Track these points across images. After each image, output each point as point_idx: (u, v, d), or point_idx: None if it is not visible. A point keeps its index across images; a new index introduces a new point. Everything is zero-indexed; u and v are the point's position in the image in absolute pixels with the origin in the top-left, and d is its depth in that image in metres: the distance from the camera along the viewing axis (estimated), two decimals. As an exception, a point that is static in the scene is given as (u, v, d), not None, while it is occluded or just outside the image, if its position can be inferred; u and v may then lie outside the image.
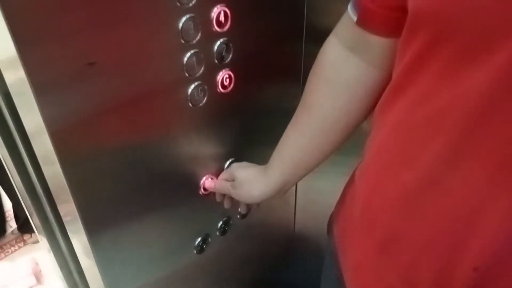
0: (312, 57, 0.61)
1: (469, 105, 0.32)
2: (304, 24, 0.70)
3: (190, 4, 0.48)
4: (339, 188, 0.59)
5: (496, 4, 0.29)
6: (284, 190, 0.60)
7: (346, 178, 0.57)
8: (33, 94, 0.38)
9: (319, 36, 0.56)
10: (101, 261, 0.54)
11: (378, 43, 0.45)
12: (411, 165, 0.37)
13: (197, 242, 0.69)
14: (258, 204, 0.69)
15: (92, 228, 0.51)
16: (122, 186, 0.53)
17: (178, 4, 0.47)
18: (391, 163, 0.41)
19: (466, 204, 0.34)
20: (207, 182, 0.64)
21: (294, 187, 0.92)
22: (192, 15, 0.49)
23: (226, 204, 0.66)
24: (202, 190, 0.64)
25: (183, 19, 0.48)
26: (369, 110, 0.52)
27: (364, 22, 0.45)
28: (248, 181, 0.60)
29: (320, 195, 0.95)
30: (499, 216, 0.32)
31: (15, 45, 0.35)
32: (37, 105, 0.39)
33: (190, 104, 0.55)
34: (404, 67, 0.38)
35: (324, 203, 0.95)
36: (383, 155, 0.42)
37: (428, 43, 0.34)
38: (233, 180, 0.62)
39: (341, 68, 0.51)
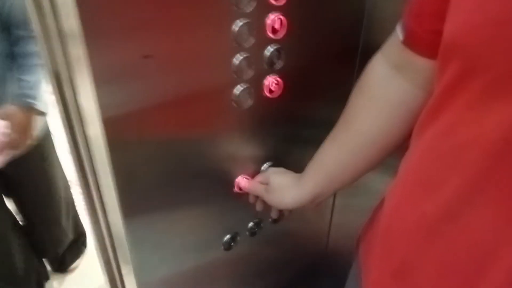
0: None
1: (491, 143, 0.31)
2: (360, 40, 0.69)
3: (247, 10, 0.50)
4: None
5: None
6: (316, 202, 0.60)
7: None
8: (91, 78, 0.42)
9: (374, 51, 0.56)
10: (131, 241, 0.57)
11: (422, 64, 0.45)
12: (433, 195, 0.37)
13: (225, 238, 0.70)
14: (290, 212, 0.69)
15: (128, 210, 0.54)
16: (161, 176, 0.56)
17: (235, 8, 0.49)
18: (415, 189, 0.40)
19: (481, 244, 0.33)
20: (242, 181, 0.65)
21: (332, 203, 0.91)
22: (247, 20, 0.51)
23: (258, 207, 0.67)
24: (236, 188, 0.66)
25: (239, 23, 0.50)
26: (409, 133, 0.51)
27: (409, 42, 0.45)
28: (281, 187, 0.60)
29: (358, 215, 0.93)
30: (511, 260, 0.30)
31: (82, 31, 0.39)
32: (94, 89, 0.42)
33: (235, 105, 0.57)
34: (439, 94, 0.37)
35: (361, 224, 0.94)
36: (409, 180, 0.42)
37: (459, 74, 0.33)
38: (267, 184, 0.63)
39: (386, 86, 0.51)
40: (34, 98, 1.09)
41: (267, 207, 0.66)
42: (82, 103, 0.50)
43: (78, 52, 0.41)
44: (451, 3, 0.35)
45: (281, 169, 0.65)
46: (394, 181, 0.46)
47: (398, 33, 0.47)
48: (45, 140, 1.28)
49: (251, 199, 0.67)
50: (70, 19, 0.39)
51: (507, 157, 0.30)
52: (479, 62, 0.31)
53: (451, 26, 0.35)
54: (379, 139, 0.53)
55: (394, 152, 0.55)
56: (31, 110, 1.10)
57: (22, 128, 1.09)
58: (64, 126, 0.57)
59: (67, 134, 0.57)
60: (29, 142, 1.17)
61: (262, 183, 0.64)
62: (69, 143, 0.59)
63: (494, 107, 0.31)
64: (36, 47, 1.03)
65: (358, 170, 0.56)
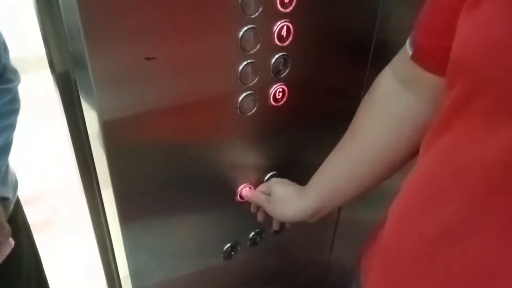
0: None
1: (491, 165, 0.30)
2: (371, 51, 0.68)
3: (253, 16, 0.49)
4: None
5: None
6: (318, 216, 0.59)
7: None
8: (93, 81, 0.41)
9: (385, 64, 0.55)
10: (129, 245, 0.57)
11: (430, 80, 0.44)
12: (432, 215, 0.35)
13: (225, 247, 0.69)
14: (291, 224, 0.68)
15: (125, 214, 0.53)
16: (161, 181, 0.55)
17: (242, 14, 0.49)
18: (415, 208, 0.39)
19: (481, 268, 0.31)
20: (244, 190, 0.64)
21: (336, 215, 0.89)
22: (254, 26, 0.50)
23: (260, 217, 0.66)
24: (238, 197, 0.65)
25: (244, 28, 0.50)
26: (417, 149, 0.49)
27: (418, 58, 0.44)
28: (283, 199, 0.59)
29: (363, 228, 0.91)
30: None
31: (83, 31, 0.39)
32: (95, 91, 0.42)
33: (239, 112, 0.56)
34: (445, 112, 0.36)
35: (365, 237, 0.91)
36: (410, 198, 0.41)
37: (465, 93, 0.33)
38: (269, 194, 0.62)
39: (393, 100, 0.50)
40: None
41: (268, 218, 0.65)
42: (84, 105, 0.49)
43: (80, 52, 0.41)
44: (459, 21, 0.35)
45: (284, 180, 0.64)
46: (396, 198, 0.45)
47: (407, 48, 0.46)
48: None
49: (253, 209, 0.66)
50: (73, 20, 0.39)
51: (508, 182, 0.29)
52: (484, 82, 0.31)
53: (458, 44, 0.34)
54: (385, 153, 0.52)
55: (400, 168, 0.54)
56: None
57: None
58: (70, 128, 0.57)
59: (72, 136, 0.57)
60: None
61: (264, 193, 0.63)
62: (74, 145, 0.59)
63: (496, 128, 0.30)
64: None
65: (363, 184, 0.55)
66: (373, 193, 0.78)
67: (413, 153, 0.51)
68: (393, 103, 0.50)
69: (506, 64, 0.28)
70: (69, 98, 0.53)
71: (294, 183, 0.62)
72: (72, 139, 0.58)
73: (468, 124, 0.33)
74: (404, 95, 0.49)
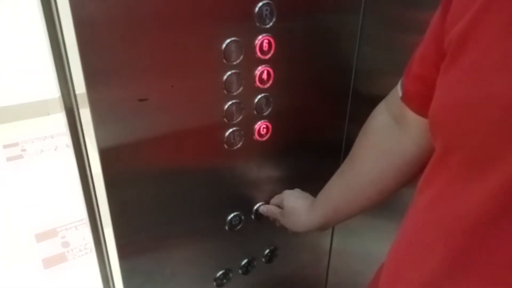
0: (355, 120, 0.64)
1: (467, 222, 0.32)
2: (351, 90, 0.74)
3: (235, 62, 0.56)
4: (375, 255, 0.58)
5: (491, 127, 0.30)
6: (325, 228, 0.64)
7: (385, 246, 0.53)
8: (91, 118, 0.48)
9: (366, 98, 0.60)
10: (125, 270, 0.61)
11: (418, 120, 0.47)
12: (418, 265, 0.38)
13: (218, 274, 0.73)
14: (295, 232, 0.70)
15: (122, 240, 0.58)
16: (154, 211, 0.60)
17: (224, 61, 0.56)
18: (404, 256, 0.41)
19: None
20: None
21: (329, 247, 0.92)
22: (236, 71, 0.57)
23: (278, 224, 0.71)
24: (227, 228, 0.70)
25: (228, 73, 0.57)
26: (408, 180, 0.53)
27: (407, 100, 0.48)
28: (294, 213, 0.66)
29: (356, 260, 0.93)
30: None
31: (84, 78, 0.46)
32: (93, 126, 0.49)
33: (225, 146, 0.62)
34: (430, 165, 0.39)
35: (358, 269, 0.93)
36: (402, 244, 0.43)
37: (442, 151, 0.36)
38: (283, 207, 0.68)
39: (384, 134, 0.54)
40: None
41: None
42: (87, 140, 0.56)
43: (83, 95, 0.48)
44: (437, 81, 0.37)
45: (295, 193, 0.69)
46: (394, 242, 0.47)
47: (399, 88, 0.50)
48: None
49: (271, 219, 0.71)
50: (77, 67, 0.46)
51: (482, 238, 0.31)
52: (454, 142, 0.33)
53: (434, 105, 0.37)
54: (378, 181, 0.56)
55: (393, 194, 0.58)
56: None
57: None
58: (77, 162, 0.64)
59: (79, 172, 0.64)
60: None
61: (278, 205, 0.69)
62: (81, 181, 0.65)
63: (469, 186, 0.32)
64: None
65: (361, 206, 0.60)
66: (365, 222, 0.82)
67: (403, 183, 0.55)
68: (384, 137, 0.55)
69: (471, 126, 0.31)
70: (75, 133, 0.60)
71: (305, 195, 0.68)
72: (80, 175, 0.65)
73: (446, 179, 0.35)
74: (394, 130, 0.53)
